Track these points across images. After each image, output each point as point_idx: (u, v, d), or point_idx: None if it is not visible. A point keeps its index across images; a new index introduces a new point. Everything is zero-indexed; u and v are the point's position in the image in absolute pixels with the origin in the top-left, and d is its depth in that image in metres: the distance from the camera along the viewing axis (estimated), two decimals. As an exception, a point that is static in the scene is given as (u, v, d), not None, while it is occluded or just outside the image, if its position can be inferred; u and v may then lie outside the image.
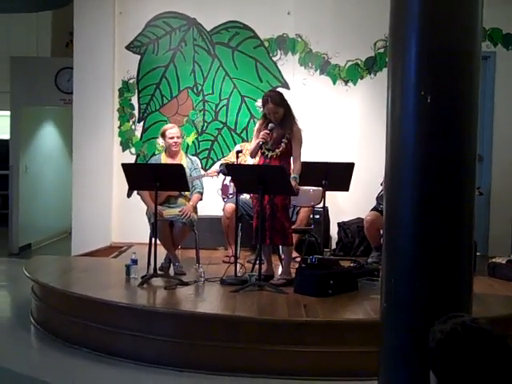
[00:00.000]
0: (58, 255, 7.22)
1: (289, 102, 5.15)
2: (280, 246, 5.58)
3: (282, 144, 5.04)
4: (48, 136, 9.28)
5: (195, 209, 5.59)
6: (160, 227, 5.24)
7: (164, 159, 5.66)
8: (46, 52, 9.33)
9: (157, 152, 6.79)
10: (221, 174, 5.88)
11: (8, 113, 8.49)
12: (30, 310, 5.38)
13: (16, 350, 4.64)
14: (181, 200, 5.58)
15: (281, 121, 5.06)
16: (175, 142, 5.60)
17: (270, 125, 5.06)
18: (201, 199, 5.64)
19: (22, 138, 8.41)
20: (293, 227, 5.46)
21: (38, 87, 8.09)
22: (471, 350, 1.53)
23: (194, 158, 5.90)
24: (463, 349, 1.54)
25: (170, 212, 5.44)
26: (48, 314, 5.05)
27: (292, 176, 4.96)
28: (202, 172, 5.98)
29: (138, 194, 5.70)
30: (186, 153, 6.01)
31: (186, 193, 5.52)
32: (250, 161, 6.20)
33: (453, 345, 1.55)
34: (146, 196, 5.50)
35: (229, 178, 6.22)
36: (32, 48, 9.64)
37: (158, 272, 5.16)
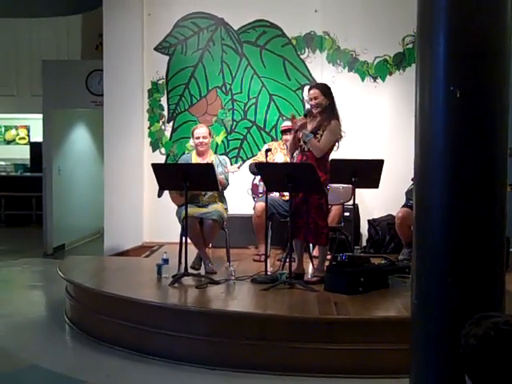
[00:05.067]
0: (91, 255, 7.31)
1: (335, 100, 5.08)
2: (311, 245, 5.58)
3: (318, 136, 4.94)
4: (80, 138, 9.40)
5: (226, 210, 5.61)
6: (190, 225, 5.27)
7: (194, 158, 5.73)
8: (76, 55, 9.47)
9: (186, 152, 6.83)
10: (249, 172, 5.90)
11: (41, 116, 8.62)
12: (64, 309, 5.47)
13: (51, 349, 4.71)
14: (209, 196, 5.60)
15: (321, 112, 5.00)
16: (200, 143, 5.70)
17: (307, 107, 5.00)
18: (224, 185, 5.58)
19: (55, 140, 8.54)
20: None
21: (69, 90, 8.19)
22: (505, 353, 1.52)
23: (223, 157, 5.97)
24: (497, 353, 1.52)
25: (199, 210, 5.48)
26: (82, 313, 5.14)
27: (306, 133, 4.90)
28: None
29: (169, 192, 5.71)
30: (216, 152, 6.05)
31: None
32: (280, 159, 6.21)
33: (486, 349, 1.54)
34: (174, 193, 5.56)
35: (258, 178, 6.24)
36: (63, 51, 9.81)
37: (189, 271, 5.20)
